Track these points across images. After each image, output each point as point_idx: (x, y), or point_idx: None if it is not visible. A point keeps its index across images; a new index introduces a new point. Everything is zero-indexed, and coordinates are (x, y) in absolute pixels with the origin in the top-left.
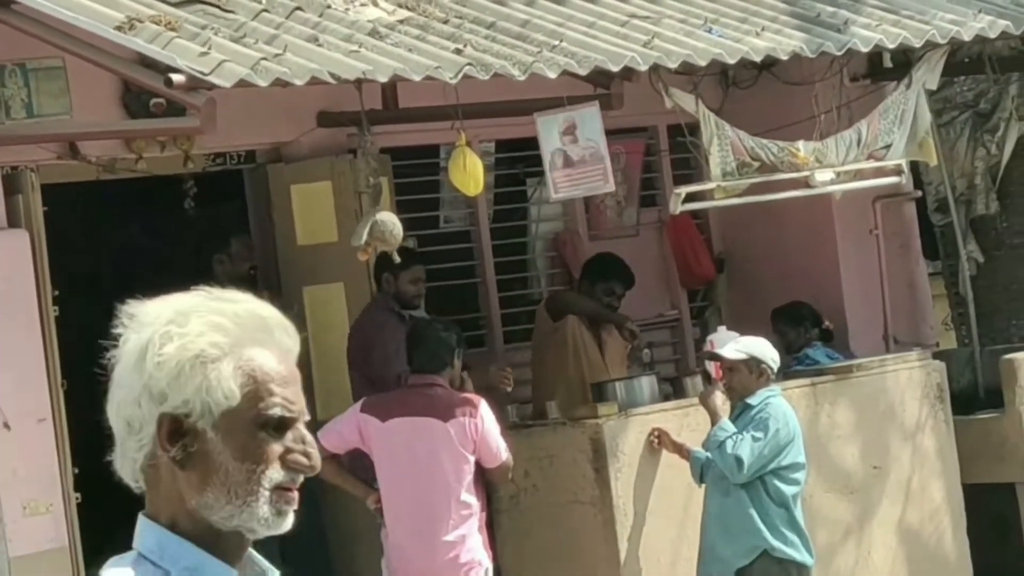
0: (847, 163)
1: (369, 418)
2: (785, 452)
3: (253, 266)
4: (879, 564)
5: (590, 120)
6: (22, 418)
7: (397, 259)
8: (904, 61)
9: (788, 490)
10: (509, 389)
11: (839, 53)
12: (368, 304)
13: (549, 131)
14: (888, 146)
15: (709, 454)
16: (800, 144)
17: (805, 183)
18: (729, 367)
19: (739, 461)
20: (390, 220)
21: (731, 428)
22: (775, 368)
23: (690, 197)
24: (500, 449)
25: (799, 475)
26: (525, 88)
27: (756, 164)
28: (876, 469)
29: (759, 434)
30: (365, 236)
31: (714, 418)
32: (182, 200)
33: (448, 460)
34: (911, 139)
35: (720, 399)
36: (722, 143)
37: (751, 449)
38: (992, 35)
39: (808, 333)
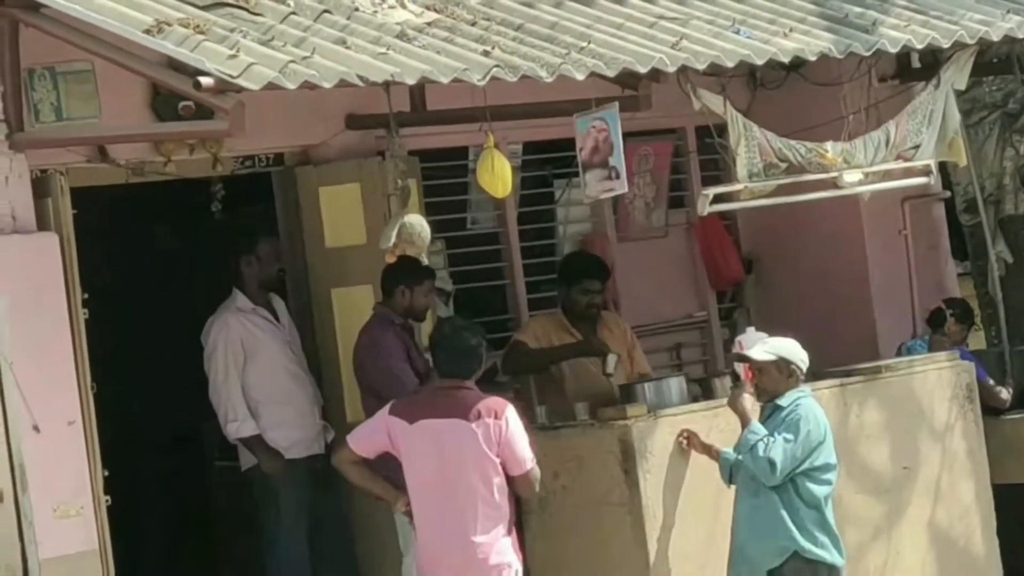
0: (875, 164)
1: (397, 420)
2: (816, 453)
3: (281, 268)
4: (909, 564)
5: (612, 121)
6: (52, 421)
7: (426, 261)
8: (932, 62)
9: (819, 491)
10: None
11: (867, 54)
12: (369, 319)
13: (581, 130)
14: (917, 146)
15: (740, 457)
16: (828, 145)
17: (833, 184)
18: (758, 368)
19: (772, 464)
20: (418, 222)
21: (762, 431)
22: (804, 368)
23: (718, 198)
24: (525, 458)
25: (830, 476)
26: (553, 90)
27: (784, 165)
28: (906, 469)
29: (790, 435)
30: (393, 238)
31: (744, 421)
32: (211, 203)
33: (474, 461)
34: (940, 139)
35: (749, 402)
36: (749, 144)
37: (783, 451)
38: (1021, 35)
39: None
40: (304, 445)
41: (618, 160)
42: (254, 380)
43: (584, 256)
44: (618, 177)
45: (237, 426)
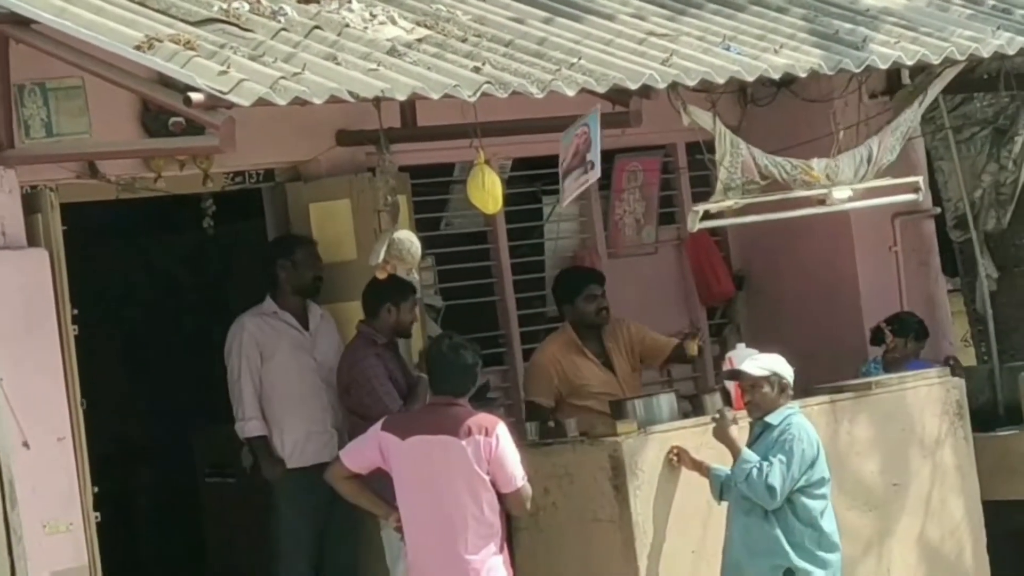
0: (858, 180)
1: (389, 436)
2: (811, 470)
3: (318, 276)
4: None
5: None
6: (42, 437)
7: (416, 277)
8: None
9: (815, 506)
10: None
11: (857, 70)
12: (352, 339)
13: (565, 143)
14: (891, 163)
15: (737, 486)
16: (814, 162)
17: (823, 200)
18: (752, 384)
19: (771, 489)
20: (408, 238)
21: (754, 458)
22: (792, 384)
23: (708, 215)
24: (516, 476)
25: (824, 490)
26: (543, 106)
27: (764, 182)
28: (895, 485)
29: (784, 457)
30: (383, 254)
31: (733, 450)
32: (201, 219)
33: (464, 479)
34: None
35: (735, 431)
36: (734, 160)
37: (780, 474)
38: (1011, 52)
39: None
40: (311, 453)
41: (595, 154)
42: (267, 383)
43: (576, 268)
44: (592, 168)
45: (243, 425)
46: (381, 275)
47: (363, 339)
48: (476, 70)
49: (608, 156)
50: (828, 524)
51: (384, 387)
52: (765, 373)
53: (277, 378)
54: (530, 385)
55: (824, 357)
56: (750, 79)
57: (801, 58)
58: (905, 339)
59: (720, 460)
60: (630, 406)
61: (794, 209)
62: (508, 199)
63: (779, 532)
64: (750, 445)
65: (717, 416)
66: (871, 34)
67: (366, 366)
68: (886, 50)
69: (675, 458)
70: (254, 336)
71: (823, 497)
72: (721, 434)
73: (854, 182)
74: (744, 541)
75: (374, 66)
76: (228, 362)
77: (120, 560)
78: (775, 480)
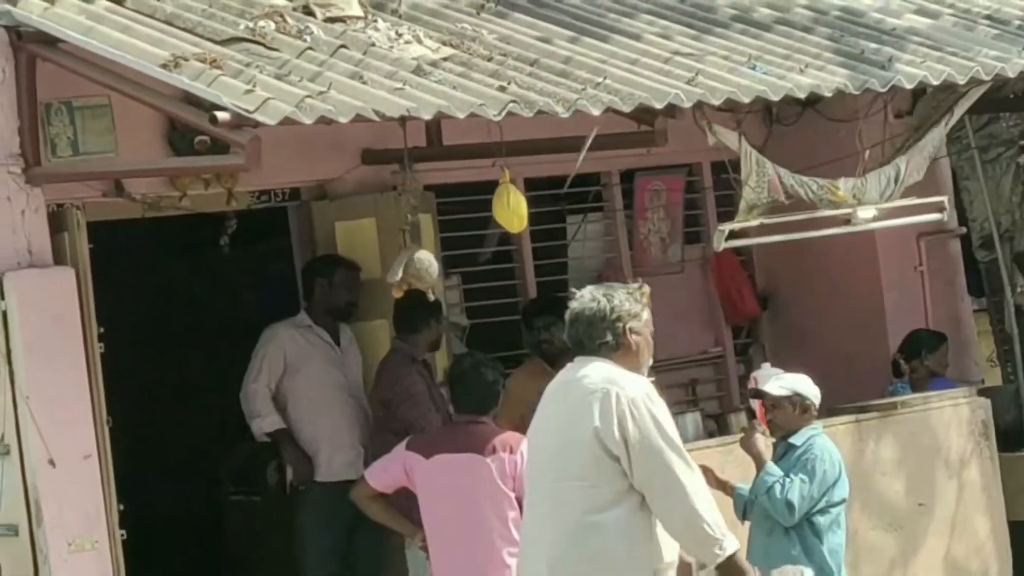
0: (885, 200)
1: (414, 455)
2: (832, 491)
3: (352, 301)
4: None
5: None
6: (67, 455)
7: (432, 297)
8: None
9: (823, 521)
10: None
11: (883, 90)
12: (387, 355)
13: None
14: (919, 182)
15: (757, 498)
16: (840, 182)
17: (848, 220)
18: (773, 404)
19: (790, 506)
20: (427, 258)
21: (777, 472)
22: (817, 405)
23: (734, 234)
24: None
25: (840, 508)
26: (568, 125)
27: (788, 202)
28: (921, 505)
29: (806, 476)
30: (400, 273)
31: (758, 462)
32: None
33: (489, 496)
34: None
35: (763, 442)
36: (760, 180)
37: (799, 492)
38: None
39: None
40: (338, 468)
41: None
42: (295, 395)
43: (538, 298)
44: None
45: (260, 422)
46: (397, 294)
47: (402, 355)
48: (501, 89)
49: (629, 175)
50: (836, 537)
51: (427, 403)
52: (786, 393)
53: (308, 392)
54: (501, 409)
55: (849, 377)
56: (776, 99)
57: (827, 78)
58: (919, 359)
59: (745, 480)
60: None
61: (819, 229)
62: (533, 218)
63: (800, 552)
64: None
65: (746, 427)
66: (897, 54)
67: (410, 382)
68: (912, 70)
69: None
70: (283, 345)
71: (834, 513)
72: (748, 445)
73: (880, 202)
74: (765, 560)
75: (400, 85)
76: (251, 363)
77: None
78: (794, 497)
